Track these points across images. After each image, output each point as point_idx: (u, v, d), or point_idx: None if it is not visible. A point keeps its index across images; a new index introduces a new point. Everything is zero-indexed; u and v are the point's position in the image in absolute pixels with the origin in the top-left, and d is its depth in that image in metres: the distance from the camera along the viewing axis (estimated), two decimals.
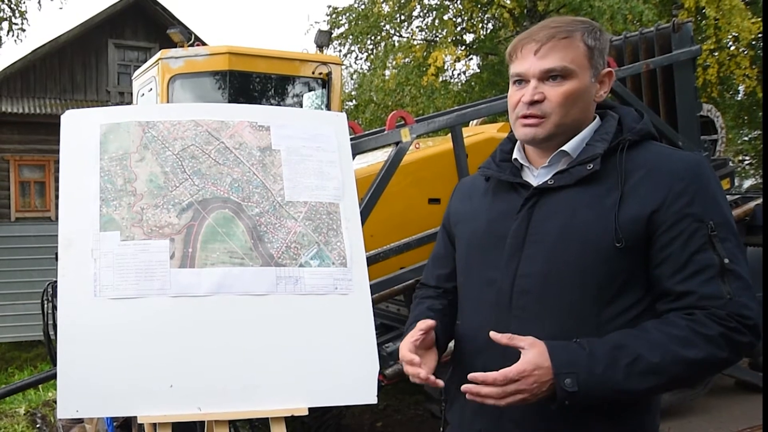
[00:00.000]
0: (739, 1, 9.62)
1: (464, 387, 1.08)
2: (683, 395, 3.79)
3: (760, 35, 10.18)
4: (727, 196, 3.55)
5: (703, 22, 9.98)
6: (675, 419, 3.67)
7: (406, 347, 1.22)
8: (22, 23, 13.33)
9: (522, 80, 1.20)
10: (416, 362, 1.18)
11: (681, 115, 3.96)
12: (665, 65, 3.93)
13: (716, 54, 10.06)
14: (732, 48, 10.28)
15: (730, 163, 4.81)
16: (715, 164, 4.30)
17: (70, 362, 1.44)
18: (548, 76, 1.17)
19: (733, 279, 1.08)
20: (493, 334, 1.11)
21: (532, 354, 1.07)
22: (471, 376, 1.08)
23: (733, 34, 9.88)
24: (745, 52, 10.14)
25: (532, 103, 1.17)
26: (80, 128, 1.64)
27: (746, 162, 16.92)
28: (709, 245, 1.09)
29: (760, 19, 9.92)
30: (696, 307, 1.08)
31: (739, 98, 13.02)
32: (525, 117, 1.19)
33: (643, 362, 1.05)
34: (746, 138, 16.03)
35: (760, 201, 3.91)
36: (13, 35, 13.26)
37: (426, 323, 1.22)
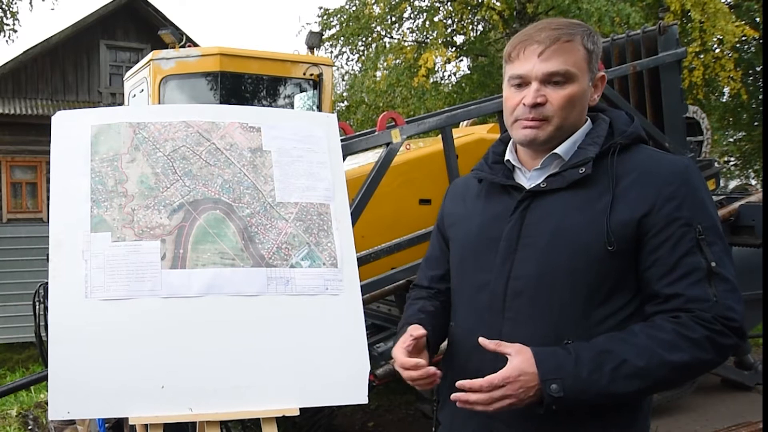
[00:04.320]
0: (723, 5, 9.73)
1: (453, 396, 1.12)
2: (670, 394, 3.84)
3: (743, 38, 10.31)
4: (713, 197, 3.60)
5: (689, 25, 10.06)
6: (662, 418, 3.71)
7: (399, 352, 1.24)
8: (14, 24, 13.23)
9: (522, 82, 1.19)
10: (408, 365, 1.20)
11: (667, 116, 4.01)
12: (652, 67, 3.98)
13: (701, 56, 10.16)
14: (717, 51, 10.39)
15: (716, 164, 4.87)
16: (701, 165, 4.35)
17: (61, 363, 1.44)
18: (551, 79, 1.16)
19: (719, 282, 1.10)
20: (481, 340, 1.14)
21: (518, 360, 1.09)
22: (459, 384, 1.12)
23: (718, 37, 9.99)
24: (730, 55, 10.25)
25: (534, 105, 1.17)
26: (71, 129, 1.63)
27: (731, 163, 17.10)
28: (697, 249, 1.11)
29: (743, 22, 10.04)
30: (683, 309, 1.10)
31: (724, 100, 13.15)
32: (526, 119, 1.19)
33: (628, 366, 1.07)
34: (731, 139, 16.21)
35: (744, 201, 3.97)
36: (4, 36, 13.16)
37: (418, 331, 1.23)
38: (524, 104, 1.18)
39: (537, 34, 1.18)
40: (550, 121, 1.18)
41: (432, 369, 1.18)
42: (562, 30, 1.17)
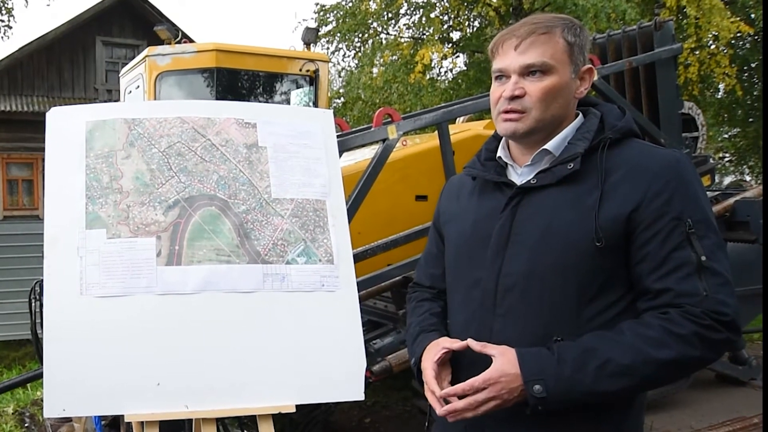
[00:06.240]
0: (718, 1, 9.75)
1: (440, 412, 1.14)
2: (665, 389, 3.85)
3: (738, 34, 10.32)
4: (708, 193, 3.61)
5: (684, 21, 10.08)
6: (656, 413, 3.72)
7: (430, 365, 1.20)
8: (9, 20, 13.16)
9: (503, 75, 1.21)
10: (438, 395, 1.16)
11: (663, 112, 4.01)
12: (647, 63, 3.97)
13: (697, 52, 10.18)
14: (712, 47, 10.41)
15: (711, 160, 4.87)
16: (696, 161, 4.36)
17: (56, 361, 1.44)
18: (528, 71, 1.17)
19: (709, 276, 1.09)
20: (469, 342, 1.16)
21: (500, 362, 1.10)
22: (442, 394, 1.14)
23: (713, 33, 10.01)
24: (725, 51, 10.27)
25: (513, 98, 1.18)
26: (66, 125, 1.63)
27: (726, 159, 17.16)
28: (687, 243, 1.10)
29: (739, 18, 10.06)
30: (673, 304, 1.09)
31: (719, 96, 13.20)
32: (506, 112, 1.20)
33: (613, 365, 1.07)
34: (726, 135, 16.28)
35: (739, 197, 3.98)
36: None
37: (456, 344, 1.20)
38: (503, 97, 1.20)
39: (517, 29, 1.20)
40: (529, 113, 1.18)
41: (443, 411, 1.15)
42: (540, 23, 1.19)
